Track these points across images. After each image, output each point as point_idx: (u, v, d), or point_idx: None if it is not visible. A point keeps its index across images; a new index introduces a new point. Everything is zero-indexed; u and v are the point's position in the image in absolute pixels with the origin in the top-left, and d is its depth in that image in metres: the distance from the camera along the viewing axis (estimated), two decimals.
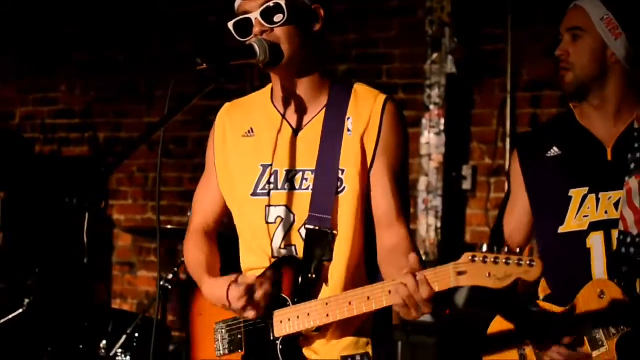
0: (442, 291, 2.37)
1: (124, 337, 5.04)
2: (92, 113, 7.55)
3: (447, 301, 2.44)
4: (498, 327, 3.22)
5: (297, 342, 2.69)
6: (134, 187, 7.37)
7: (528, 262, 2.25)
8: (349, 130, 2.72)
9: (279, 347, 2.67)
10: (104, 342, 5.11)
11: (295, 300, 2.65)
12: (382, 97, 2.75)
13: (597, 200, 3.09)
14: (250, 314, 2.63)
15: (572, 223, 3.12)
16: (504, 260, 2.27)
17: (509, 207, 3.39)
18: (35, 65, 7.73)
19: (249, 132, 2.86)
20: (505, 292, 2.42)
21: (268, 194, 2.78)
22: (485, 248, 2.32)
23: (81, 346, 5.19)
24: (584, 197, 3.11)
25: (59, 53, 7.61)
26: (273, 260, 2.75)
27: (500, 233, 3.43)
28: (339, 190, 2.69)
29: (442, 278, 2.35)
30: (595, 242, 3.07)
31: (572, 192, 3.13)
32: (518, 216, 3.32)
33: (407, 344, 4.75)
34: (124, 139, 7.39)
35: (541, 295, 3.21)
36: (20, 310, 5.16)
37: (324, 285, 2.69)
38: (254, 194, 2.80)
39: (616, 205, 3.05)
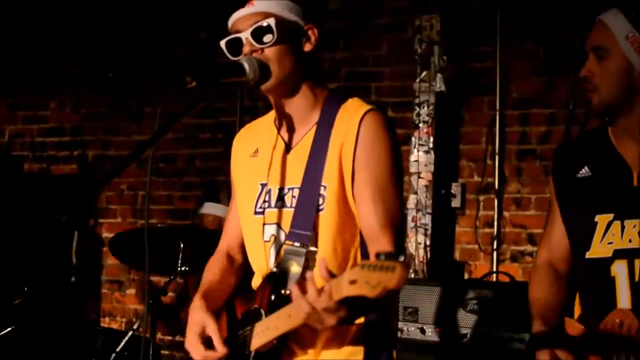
0: (347, 301, 2.23)
1: (113, 355, 5.03)
2: (81, 131, 7.54)
3: (356, 313, 2.28)
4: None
5: (273, 358, 2.67)
6: (123, 205, 7.35)
7: (390, 267, 2.06)
8: (330, 145, 2.71)
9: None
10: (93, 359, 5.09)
11: (268, 314, 2.65)
12: (363, 110, 2.71)
13: (622, 227, 3.03)
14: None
15: (597, 249, 3.07)
16: (378, 267, 2.08)
17: (550, 224, 3.33)
18: (25, 83, 7.72)
19: (255, 152, 2.91)
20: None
21: (263, 213, 2.81)
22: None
23: None
24: (609, 224, 3.05)
25: (49, 70, 7.60)
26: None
27: (542, 251, 3.38)
28: (321, 207, 2.69)
29: (336, 287, 2.23)
30: (620, 271, 3.02)
31: (598, 218, 3.07)
32: (559, 232, 3.26)
33: None
34: (113, 156, 7.38)
35: (576, 315, 3.18)
36: (9, 329, 5.14)
37: None
38: (255, 212, 2.83)
39: None
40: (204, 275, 2.99)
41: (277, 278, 2.69)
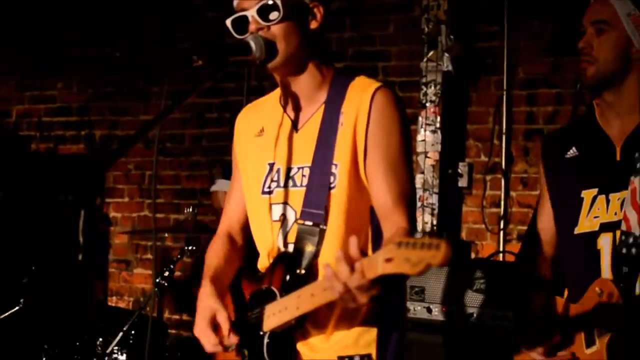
0: (379, 279, 2.23)
1: (120, 334, 5.05)
2: (88, 111, 7.55)
3: (387, 289, 2.26)
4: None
5: (286, 337, 2.68)
6: (130, 185, 7.36)
7: (435, 245, 2.05)
8: (342, 124, 2.70)
9: (266, 341, 2.66)
10: (100, 339, 5.11)
11: (283, 294, 2.64)
12: (373, 87, 2.71)
13: (608, 201, 3.08)
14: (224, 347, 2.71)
15: (584, 224, 3.12)
16: (419, 244, 2.08)
17: (539, 207, 3.42)
18: (32, 63, 7.72)
19: (260, 131, 2.90)
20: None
21: (272, 192, 2.80)
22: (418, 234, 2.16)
23: (77, 343, 5.19)
24: (594, 198, 3.10)
25: (56, 50, 7.60)
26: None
27: (534, 232, 3.44)
28: (332, 185, 2.68)
29: (371, 266, 2.22)
30: (605, 243, 3.07)
31: (584, 194, 3.13)
32: (546, 216, 3.34)
33: (416, 343, 4.74)
34: (120, 136, 7.38)
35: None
36: (17, 308, 5.16)
37: (313, 280, 2.66)
38: (263, 192, 2.82)
39: (622, 205, 3.04)
40: (209, 259, 2.95)
41: (291, 258, 2.69)
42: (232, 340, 2.68)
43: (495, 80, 6.07)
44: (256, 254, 2.90)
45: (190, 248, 5.27)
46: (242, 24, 2.71)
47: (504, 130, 5.98)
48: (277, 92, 2.91)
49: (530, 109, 6.00)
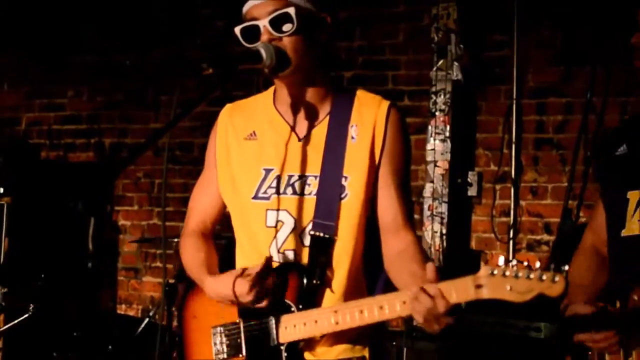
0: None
1: (130, 342, 5.05)
2: (98, 119, 7.56)
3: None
4: None
5: (300, 347, 2.68)
6: (139, 193, 7.37)
7: (551, 278, 2.21)
8: (353, 137, 2.71)
9: (284, 353, 2.66)
10: (110, 347, 5.11)
11: (300, 307, 2.65)
12: (386, 104, 2.77)
13: None
14: (261, 304, 2.64)
15: (631, 226, 3.05)
16: (525, 275, 2.23)
17: (594, 209, 3.35)
18: (42, 71, 7.74)
19: (251, 135, 2.86)
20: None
21: (269, 198, 2.77)
22: (502, 262, 2.28)
23: (87, 351, 5.19)
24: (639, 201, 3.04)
25: (66, 59, 7.62)
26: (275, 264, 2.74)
27: (587, 234, 3.36)
28: (342, 196, 2.69)
29: (460, 291, 2.34)
30: None
31: (630, 195, 3.06)
32: (599, 215, 3.25)
33: (412, 349, 4.74)
34: (130, 145, 7.39)
35: None
36: (26, 315, 5.16)
37: (327, 291, 2.69)
38: (255, 197, 2.79)
39: None
40: (194, 257, 2.91)
41: (303, 268, 2.69)
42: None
43: (504, 89, 6.06)
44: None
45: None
46: (252, 33, 2.68)
47: (513, 139, 5.98)
48: (267, 95, 2.90)
49: (540, 118, 5.99)
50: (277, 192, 2.76)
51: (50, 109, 7.77)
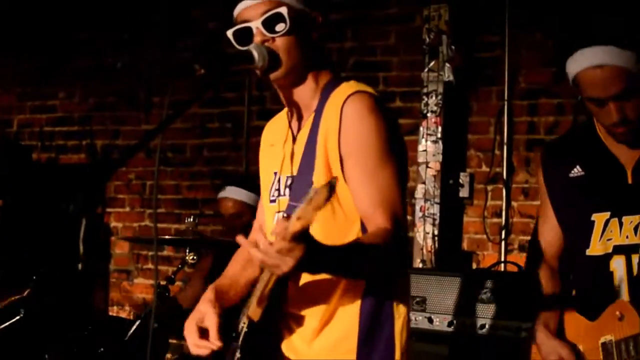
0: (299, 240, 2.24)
1: (121, 344, 5.04)
2: (90, 120, 7.56)
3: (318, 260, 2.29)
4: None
5: (269, 332, 2.70)
6: (131, 195, 7.37)
7: (318, 190, 2.15)
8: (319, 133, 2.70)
9: (243, 331, 2.67)
10: (101, 349, 5.10)
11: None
12: (346, 94, 2.65)
13: (621, 224, 3.08)
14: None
15: (597, 247, 3.12)
16: (310, 196, 2.16)
17: (542, 220, 3.40)
18: (34, 73, 7.73)
19: (272, 143, 2.93)
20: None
21: (275, 201, 2.82)
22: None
23: (78, 354, 5.18)
24: (607, 222, 3.10)
25: (58, 60, 7.62)
26: None
27: (537, 244, 3.42)
28: None
29: (287, 228, 2.22)
30: (618, 266, 3.08)
31: (595, 217, 3.13)
32: (551, 231, 3.33)
33: (417, 353, 4.74)
34: (121, 146, 7.39)
35: None
36: (17, 318, 5.15)
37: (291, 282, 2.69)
38: (270, 200, 2.85)
39: (635, 229, 3.05)
40: (228, 266, 3.01)
41: None
42: (216, 344, 2.67)
43: (496, 91, 6.07)
44: None
45: (191, 258, 5.26)
46: (245, 35, 2.68)
47: (505, 141, 5.99)
48: None
49: (532, 119, 6.00)
50: (279, 194, 2.81)
51: (42, 111, 7.77)
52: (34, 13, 7.53)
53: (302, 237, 2.22)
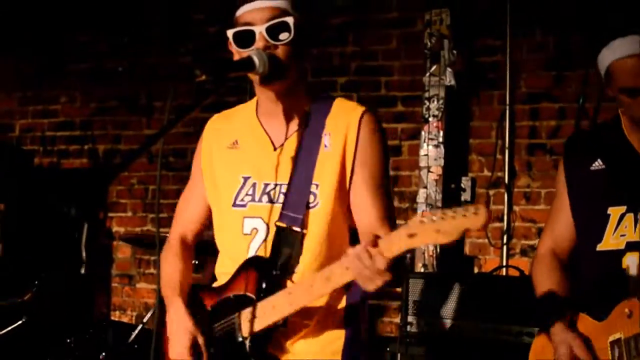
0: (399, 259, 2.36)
1: (123, 348, 5.04)
2: (91, 125, 7.56)
3: (406, 270, 2.42)
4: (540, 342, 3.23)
5: (267, 341, 2.69)
6: (133, 199, 7.36)
7: (473, 211, 2.23)
8: (325, 146, 2.73)
9: (248, 345, 2.67)
10: (103, 353, 5.10)
11: (261, 296, 2.66)
12: (360, 111, 2.76)
13: (636, 220, 3.07)
14: None
15: (609, 241, 3.11)
16: (451, 215, 2.25)
17: (555, 212, 3.38)
18: (35, 78, 7.73)
19: (234, 143, 2.90)
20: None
21: (245, 206, 2.80)
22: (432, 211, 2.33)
23: (80, 358, 5.18)
24: (622, 216, 3.10)
25: (59, 65, 7.62)
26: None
27: (546, 240, 3.40)
28: (312, 204, 2.71)
29: (394, 243, 2.33)
30: (632, 263, 3.07)
31: (611, 210, 3.12)
32: (564, 224, 3.31)
33: (405, 355, 4.74)
34: (123, 151, 7.39)
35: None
36: (19, 322, 5.16)
37: (289, 282, 2.70)
38: (234, 204, 2.82)
39: None
40: (169, 270, 2.98)
41: (262, 262, 2.72)
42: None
43: (497, 95, 6.07)
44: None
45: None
46: (246, 38, 2.69)
47: (506, 145, 5.99)
48: (251, 104, 2.93)
49: (533, 123, 6.00)
50: (253, 200, 2.79)
51: (43, 116, 7.76)
52: (35, 17, 7.53)
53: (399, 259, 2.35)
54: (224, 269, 2.86)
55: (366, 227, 2.70)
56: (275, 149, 2.80)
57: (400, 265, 2.39)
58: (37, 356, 5.44)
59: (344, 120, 2.74)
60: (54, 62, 7.63)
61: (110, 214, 7.40)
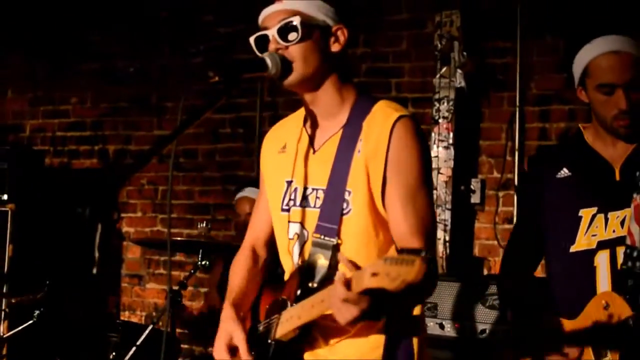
0: (369, 294, 2.26)
1: (133, 348, 5.05)
2: (102, 125, 7.58)
3: (380, 309, 2.31)
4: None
5: (294, 347, 2.72)
6: (143, 200, 7.38)
7: (410, 261, 2.10)
8: (359, 151, 2.71)
9: (272, 349, 2.70)
10: (113, 353, 5.12)
11: (294, 304, 2.68)
12: (394, 117, 2.69)
13: (606, 220, 3.15)
14: None
15: (581, 242, 3.18)
16: (399, 260, 2.13)
17: (518, 230, 3.46)
18: (46, 78, 7.76)
19: (283, 148, 2.93)
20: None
21: (289, 210, 2.83)
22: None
23: (90, 358, 5.20)
24: (593, 217, 3.17)
25: (70, 65, 7.64)
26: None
27: (511, 253, 3.47)
28: (345, 211, 2.69)
29: (359, 279, 2.25)
30: (602, 261, 3.14)
31: (582, 212, 3.19)
32: (528, 237, 3.40)
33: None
34: (133, 151, 7.41)
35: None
36: (30, 322, 5.17)
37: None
38: (282, 209, 2.87)
39: (622, 223, 3.11)
40: (233, 276, 3.01)
41: (304, 271, 2.72)
42: (246, 358, 2.72)
43: (507, 97, 6.07)
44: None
45: (203, 263, 5.28)
46: (263, 42, 2.75)
47: (516, 147, 5.99)
48: (303, 110, 2.93)
49: (543, 125, 6.00)
50: (294, 205, 2.82)
51: (54, 116, 7.79)
52: (45, 18, 7.56)
53: (373, 293, 2.24)
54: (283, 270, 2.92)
55: (398, 240, 2.65)
56: (314, 152, 2.81)
57: (382, 294, 2.23)
58: (47, 355, 5.46)
59: (377, 126, 2.69)
60: (65, 63, 7.66)
61: (121, 214, 7.42)
